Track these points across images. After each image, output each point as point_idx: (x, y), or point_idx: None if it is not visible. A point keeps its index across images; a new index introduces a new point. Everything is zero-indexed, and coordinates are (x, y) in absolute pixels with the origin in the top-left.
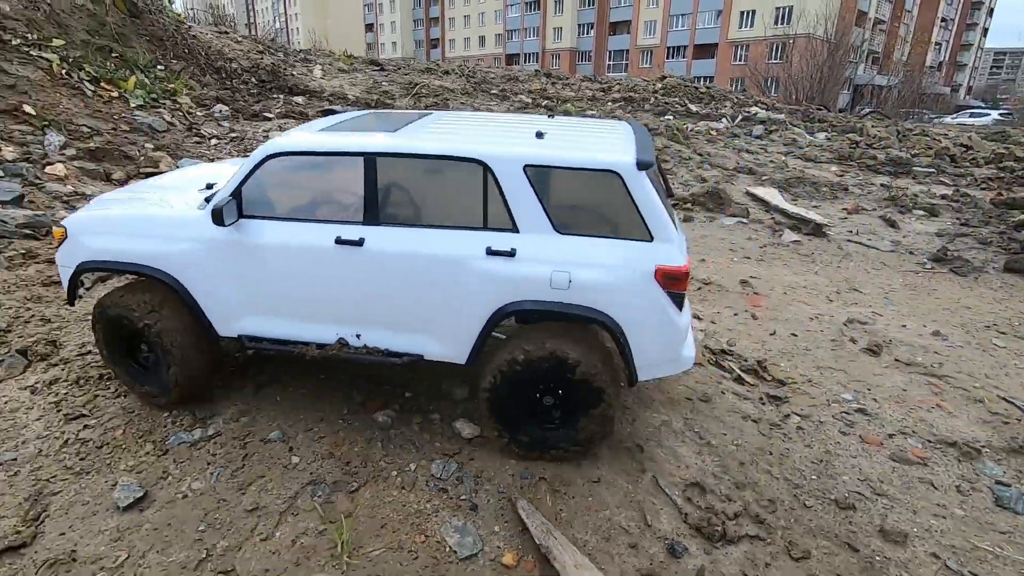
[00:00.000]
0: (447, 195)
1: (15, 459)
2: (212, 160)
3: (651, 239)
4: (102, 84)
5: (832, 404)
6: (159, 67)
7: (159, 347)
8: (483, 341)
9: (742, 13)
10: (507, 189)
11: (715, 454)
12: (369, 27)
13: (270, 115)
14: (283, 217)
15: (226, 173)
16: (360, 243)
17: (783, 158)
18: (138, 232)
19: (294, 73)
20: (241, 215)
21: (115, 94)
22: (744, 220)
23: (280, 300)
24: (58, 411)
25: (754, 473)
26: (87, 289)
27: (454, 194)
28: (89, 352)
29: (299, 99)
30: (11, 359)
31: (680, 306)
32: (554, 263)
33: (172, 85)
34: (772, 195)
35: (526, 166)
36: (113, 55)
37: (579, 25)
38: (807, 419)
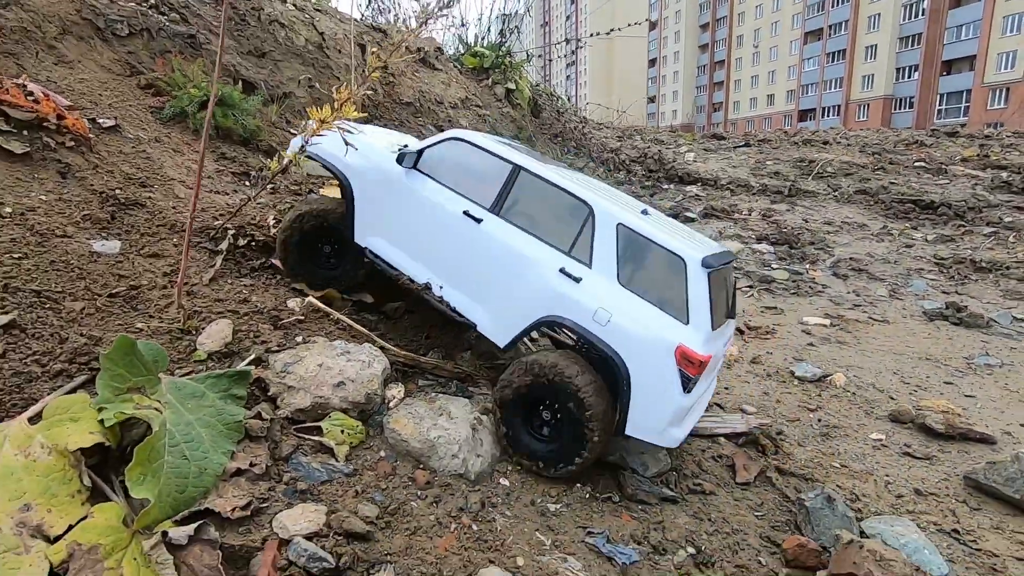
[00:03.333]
0: (552, 217)
1: None
2: None
3: (687, 323)
4: None
5: None
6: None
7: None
8: (521, 336)
9: None
10: (598, 234)
11: None
12: (651, 99)
13: (692, 215)
14: (438, 180)
15: (408, 141)
16: (479, 221)
17: None
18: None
19: (675, 159)
20: (415, 167)
21: None
22: None
23: (404, 235)
24: None
25: None
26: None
27: (557, 219)
28: None
29: (693, 188)
30: None
31: (687, 388)
32: (601, 304)
33: None
34: None
35: (619, 224)
36: None
37: (897, 69)
38: None
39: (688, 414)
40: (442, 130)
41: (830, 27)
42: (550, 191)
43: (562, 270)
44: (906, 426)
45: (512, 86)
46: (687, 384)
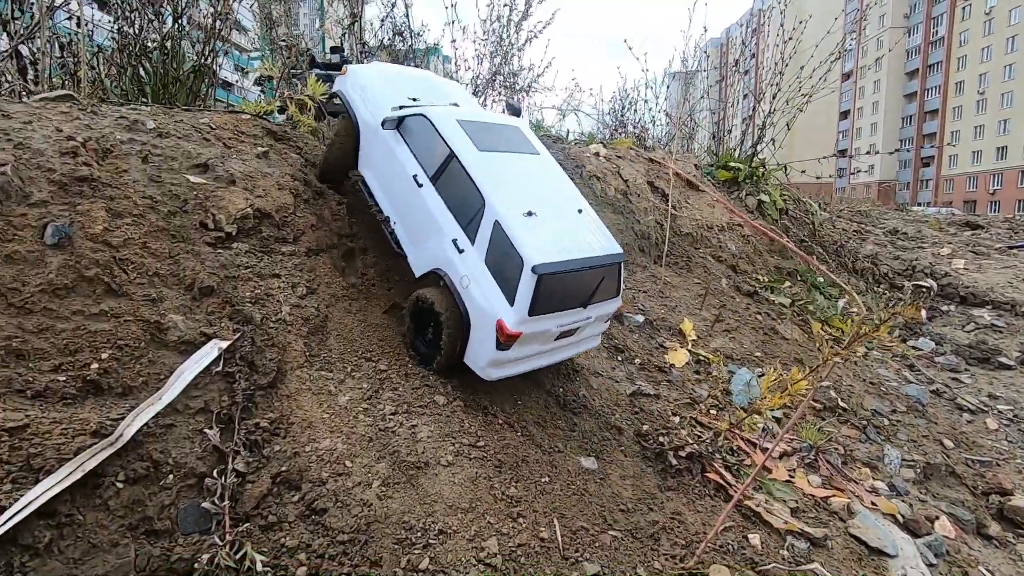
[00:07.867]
0: (464, 198)
1: None
2: None
3: (512, 305)
4: (824, 327)
5: None
6: (819, 279)
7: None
8: (427, 273)
9: None
10: (483, 223)
11: None
12: (841, 152)
13: (1008, 361)
14: (407, 144)
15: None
16: (421, 186)
17: None
18: (358, 91)
19: (938, 264)
20: (396, 128)
21: (834, 336)
22: None
23: (382, 177)
24: None
25: None
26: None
27: (465, 201)
28: None
29: (984, 313)
30: None
31: (500, 348)
32: (467, 272)
33: (854, 310)
34: None
35: (496, 221)
36: (786, 275)
37: None
38: None
39: (510, 365)
40: (720, 260)
41: None
42: (466, 179)
43: (454, 241)
44: None
45: (765, 198)
46: (500, 345)
